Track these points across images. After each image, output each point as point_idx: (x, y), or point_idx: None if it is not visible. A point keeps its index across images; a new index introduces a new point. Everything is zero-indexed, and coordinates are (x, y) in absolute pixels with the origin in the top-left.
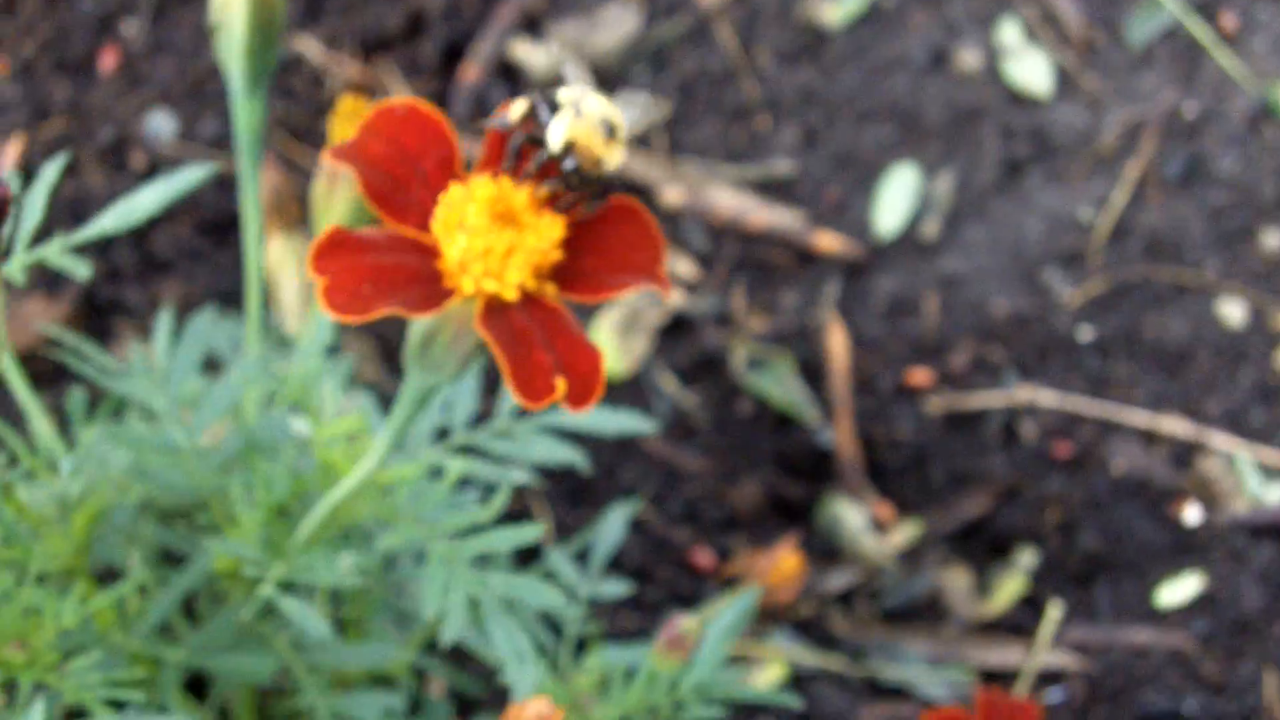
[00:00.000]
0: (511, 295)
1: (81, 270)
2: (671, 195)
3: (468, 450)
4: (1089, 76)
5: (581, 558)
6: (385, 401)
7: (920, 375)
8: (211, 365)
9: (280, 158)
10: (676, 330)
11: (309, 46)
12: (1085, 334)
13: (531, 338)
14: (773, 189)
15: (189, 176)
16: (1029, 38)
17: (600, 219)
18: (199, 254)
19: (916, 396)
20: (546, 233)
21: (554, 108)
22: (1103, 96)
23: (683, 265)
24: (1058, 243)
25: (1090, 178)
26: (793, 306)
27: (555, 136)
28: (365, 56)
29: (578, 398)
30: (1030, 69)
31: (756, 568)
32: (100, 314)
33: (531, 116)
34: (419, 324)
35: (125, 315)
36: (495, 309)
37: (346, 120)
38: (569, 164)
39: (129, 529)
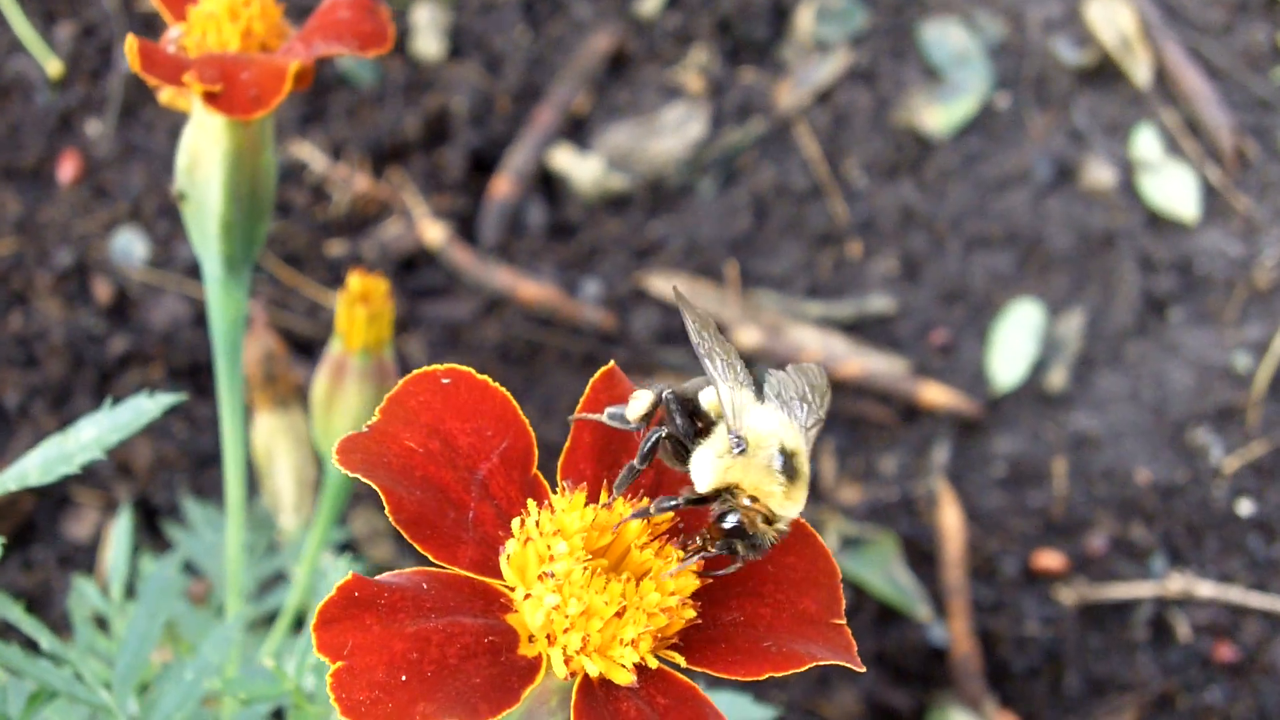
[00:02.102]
0: (625, 679)
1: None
2: (745, 336)
3: None
4: (1241, 196)
5: None
6: None
7: (1050, 559)
8: (189, 567)
9: (272, 287)
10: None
11: (310, 155)
12: (1245, 507)
13: None
14: (867, 330)
15: (142, 409)
16: (1170, 149)
17: None
18: (174, 407)
19: (1046, 585)
20: (674, 582)
21: (688, 410)
22: (1258, 218)
23: None
24: (1209, 396)
25: (1245, 317)
26: (894, 472)
27: (704, 483)
28: (377, 166)
29: None
30: (1172, 187)
31: None
32: (55, 480)
33: (657, 412)
34: None
35: (85, 482)
36: (597, 692)
37: (356, 308)
38: (729, 522)
39: None
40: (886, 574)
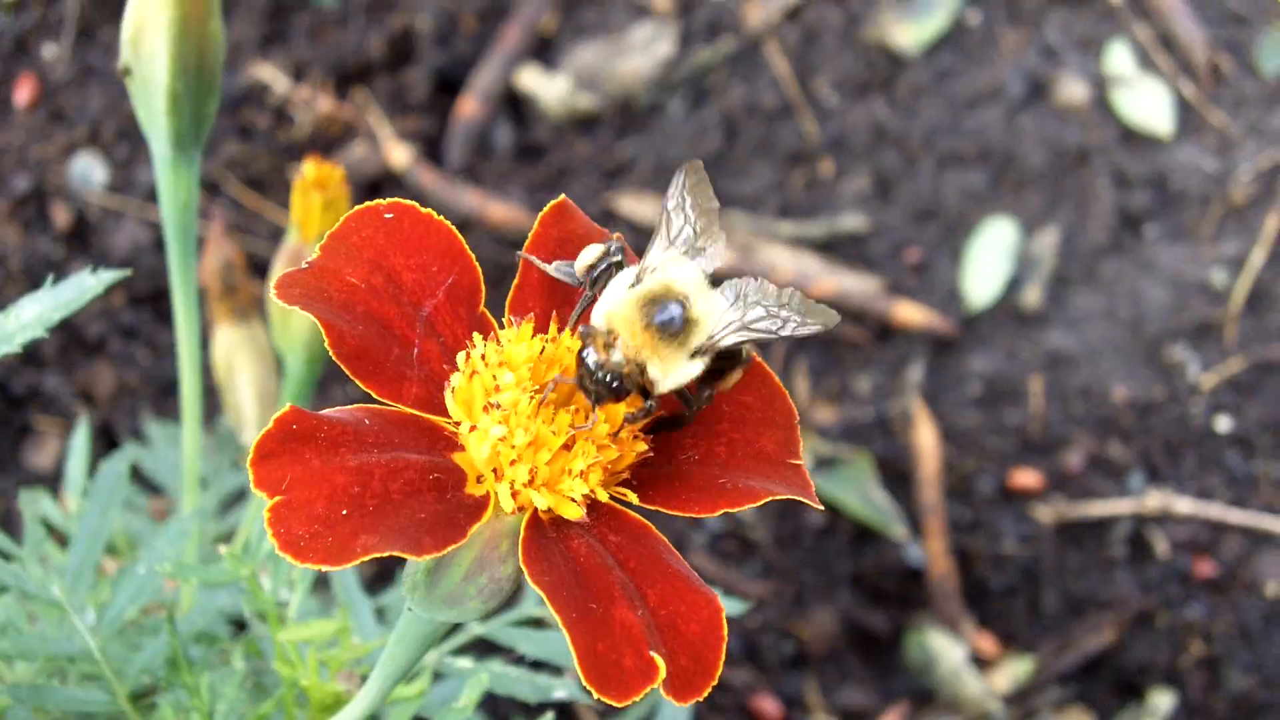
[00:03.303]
0: (574, 513)
1: None
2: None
3: (486, 646)
4: (1216, 111)
5: None
6: (378, 578)
7: (1026, 477)
8: (151, 486)
9: (235, 211)
10: None
11: (271, 76)
12: (1223, 424)
13: (608, 581)
14: (840, 249)
15: (85, 286)
16: (1144, 65)
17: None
18: (135, 332)
19: (1023, 503)
20: (625, 409)
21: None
22: (1232, 133)
23: None
24: (1185, 312)
25: (1221, 233)
26: (869, 392)
27: (595, 318)
28: (340, 88)
29: (685, 681)
30: (1146, 102)
31: None
32: (15, 407)
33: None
34: None
35: (46, 409)
36: (547, 530)
37: (311, 194)
38: (584, 355)
39: None
40: (862, 494)
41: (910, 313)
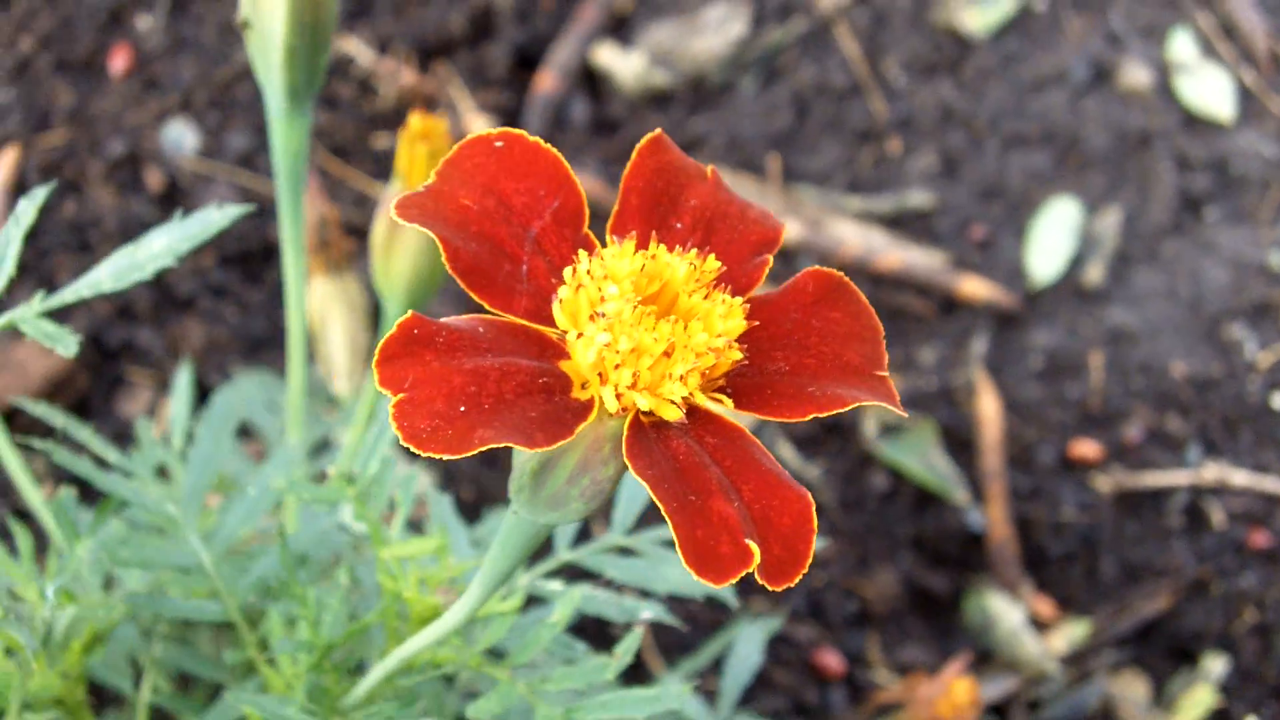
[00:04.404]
0: (673, 414)
1: (66, 345)
2: (786, 229)
3: (575, 571)
4: (1276, 98)
5: (702, 680)
6: (475, 505)
7: (1086, 448)
8: (243, 431)
9: (322, 178)
10: None
11: (356, 49)
12: (1279, 401)
13: (705, 476)
14: (907, 224)
15: (210, 220)
16: (1206, 52)
17: (792, 298)
18: (225, 290)
19: (1082, 473)
20: (721, 322)
21: None
22: None
23: None
24: (1245, 293)
25: None
26: (933, 363)
27: None
28: (423, 62)
29: (778, 568)
30: (1208, 88)
31: (918, 696)
32: (109, 359)
33: None
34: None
35: (138, 362)
36: (648, 431)
37: (417, 146)
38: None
39: (136, 646)
40: (925, 460)
41: (975, 287)
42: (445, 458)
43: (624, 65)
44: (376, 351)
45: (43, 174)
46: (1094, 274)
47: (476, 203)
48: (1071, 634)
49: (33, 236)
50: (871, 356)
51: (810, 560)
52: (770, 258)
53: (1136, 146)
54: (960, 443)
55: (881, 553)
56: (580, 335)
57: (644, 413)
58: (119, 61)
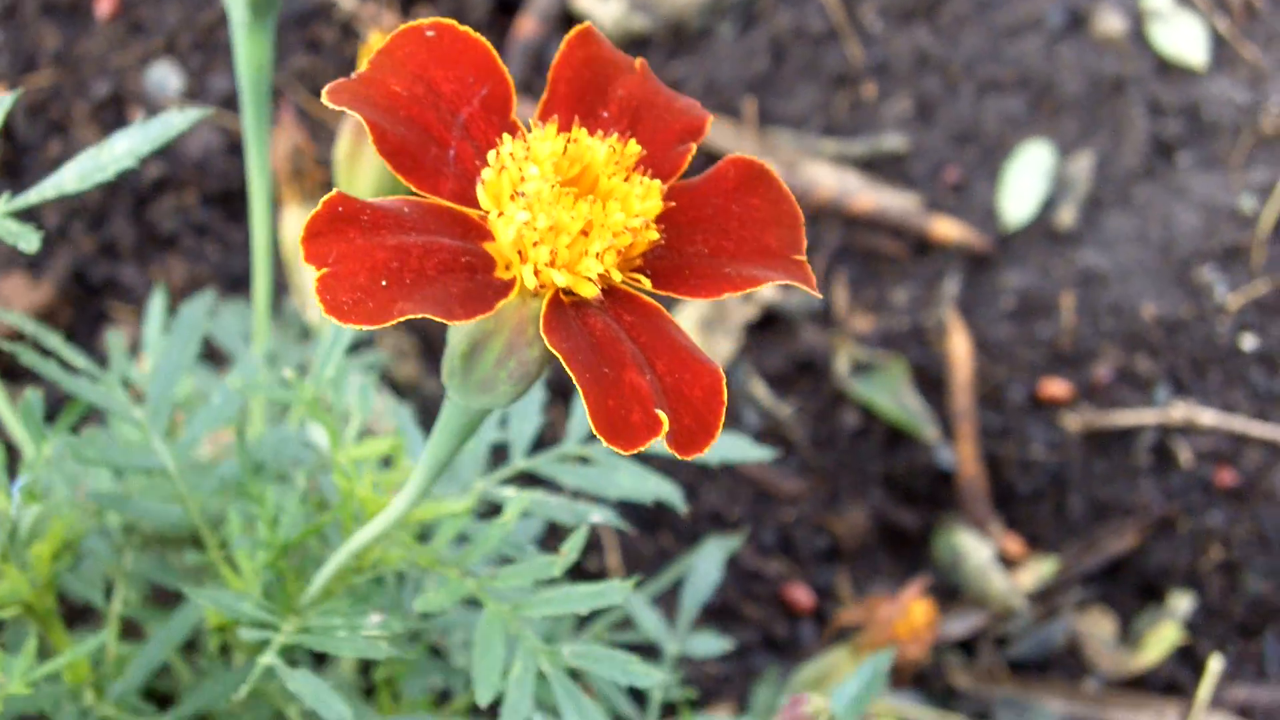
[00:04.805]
0: (590, 291)
1: (27, 240)
2: None
3: (530, 479)
4: (1249, 45)
5: (664, 600)
6: (428, 411)
7: (1056, 387)
8: (218, 358)
9: (302, 117)
10: (768, 328)
11: None
12: (1248, 342)
13: (620, 351)
14: (881, 167)
15: (171, 123)
16: (1180, 0)
17: (714, 185)
18: (206, 228)
19: (1051, 412)
20: (639, 203)
21: None
22: (1264, 67)
23: None
24: (1215, 236)
25: (1251, 161)
26: (905, 303)
27: None
28: (405, 6)
29: (688, 437)
30: (1182, 35)
31: (877, 617)
32: (92, 295)
33: None
34: (461, 330)
35: (121, 298)
36: (567, 310)
37: None
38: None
39: (108, 560)
40: (895, 397)
41: (947, 229)
42: (363, 327)
43: (603, 10)
44: (302, 228)
45: (30, 115)
46: (1066, 217)
47: (406, 89)
48: (1039, 571)
49: (17, 175)
50: (790, 241)
51: (719, 431)
52: (694, 146)
53: (1110, 92)
54: (931, 381)
55: (852, 489)
56: (501, 214)
57: (564, 292)
58: (104, 4)
